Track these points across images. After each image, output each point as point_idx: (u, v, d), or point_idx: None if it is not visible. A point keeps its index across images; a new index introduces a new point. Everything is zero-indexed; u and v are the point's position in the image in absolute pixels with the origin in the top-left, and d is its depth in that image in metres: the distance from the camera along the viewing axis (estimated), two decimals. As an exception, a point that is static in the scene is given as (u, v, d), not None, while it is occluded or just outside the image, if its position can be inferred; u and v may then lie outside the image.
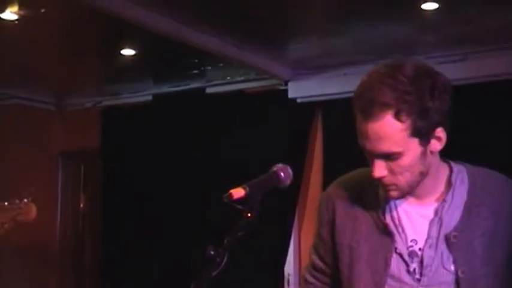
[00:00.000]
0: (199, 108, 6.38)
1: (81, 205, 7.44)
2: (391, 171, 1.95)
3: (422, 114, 1.88)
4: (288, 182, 1.94)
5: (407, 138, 1.90)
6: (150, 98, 6.82)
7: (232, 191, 1.83)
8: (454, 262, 2.01)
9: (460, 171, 2.10)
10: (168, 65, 6.06)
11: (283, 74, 5.95)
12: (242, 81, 6.27)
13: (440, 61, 5.01)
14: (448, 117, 1.96)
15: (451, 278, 2.00)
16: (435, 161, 2.04)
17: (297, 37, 5.13)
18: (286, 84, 6.03)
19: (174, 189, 6.34)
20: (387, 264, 2.03)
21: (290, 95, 6.00)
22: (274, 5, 4.44)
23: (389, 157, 1.93)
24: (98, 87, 6.97)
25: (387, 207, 2.08)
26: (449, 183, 2.07)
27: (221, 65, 5.86)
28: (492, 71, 5.14)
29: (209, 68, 6.03)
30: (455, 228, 2.02)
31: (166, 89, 6.68)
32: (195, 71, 6.14)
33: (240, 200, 1.84)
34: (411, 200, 2.07)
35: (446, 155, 2.09)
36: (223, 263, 1.77)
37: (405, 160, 1.93)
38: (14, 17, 4.60)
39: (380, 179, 1.97)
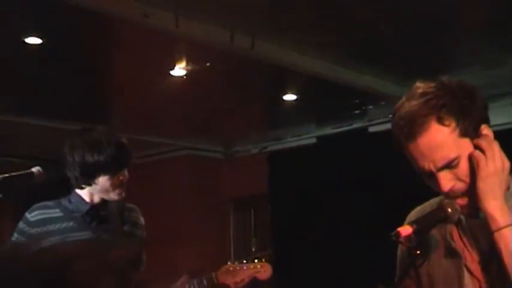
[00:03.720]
0: (362, 148, 6.39)
1: (253, 249, 7.61)
2: (458, 179, 1.89)
3: (462, 113, 1.87)
4: (456, 217, 1.92)
5: (458, 139, 1.86)
6: (313, 140, 6.94)
7: (400, 228, 1.83)
8: None
9: None
10: (329, 107, 6.14)
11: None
12: (404, 118, 6.21)
13: None
14: (487, 114, 1.94)
15: None
16: None
17: (458, 69, 5.03)
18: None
19: (342, 229, 6.35)
20: (461, 284, 1.98)
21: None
22: (434, 39, 4.40)
23: (450, 166, 1.88)
24: (262, 133, 7.18)
25: (455, 227, 2.02)
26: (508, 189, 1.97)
27: (382, 103, 5.86)
28: None
29: (371, 107, 6.05)
30: None
31: (329, 130, 6.77)
32: (357, 111, 6.18)
33: (408, 238, 1.85)
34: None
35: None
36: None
37: (465, 163, 1.87)
38: (183, 72, 4.87)
39: (451, 192, 1.91)
